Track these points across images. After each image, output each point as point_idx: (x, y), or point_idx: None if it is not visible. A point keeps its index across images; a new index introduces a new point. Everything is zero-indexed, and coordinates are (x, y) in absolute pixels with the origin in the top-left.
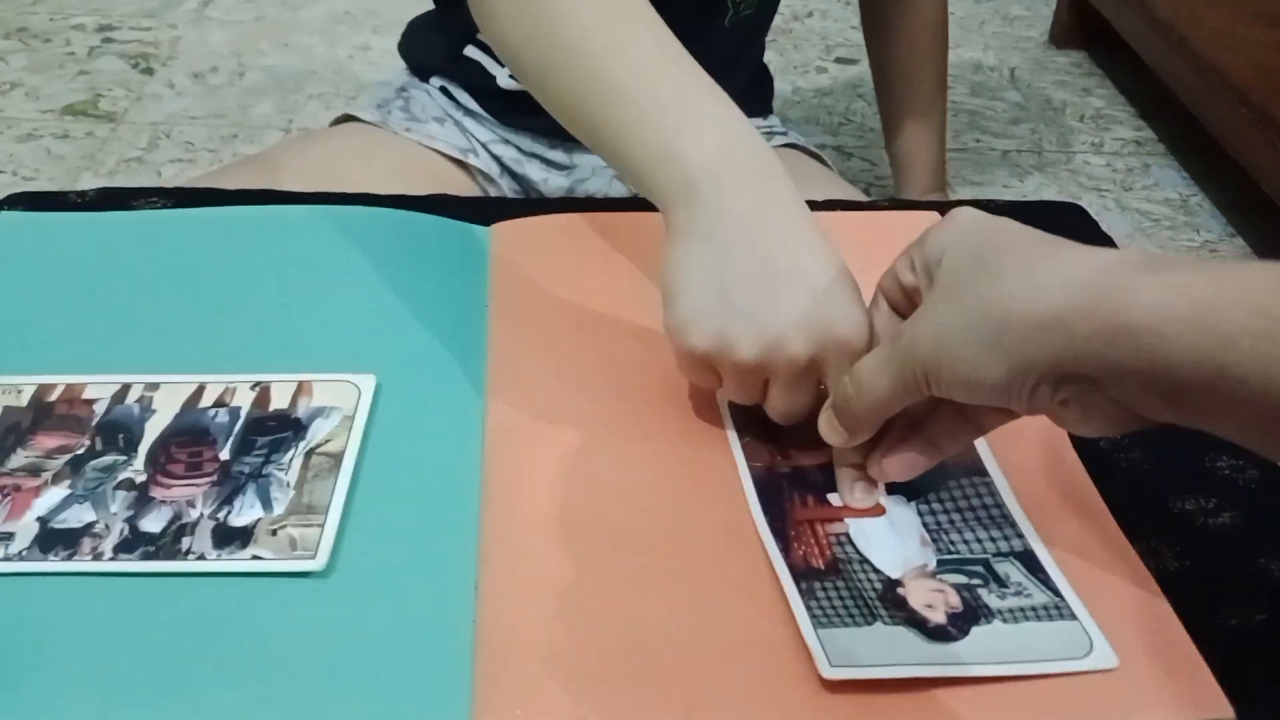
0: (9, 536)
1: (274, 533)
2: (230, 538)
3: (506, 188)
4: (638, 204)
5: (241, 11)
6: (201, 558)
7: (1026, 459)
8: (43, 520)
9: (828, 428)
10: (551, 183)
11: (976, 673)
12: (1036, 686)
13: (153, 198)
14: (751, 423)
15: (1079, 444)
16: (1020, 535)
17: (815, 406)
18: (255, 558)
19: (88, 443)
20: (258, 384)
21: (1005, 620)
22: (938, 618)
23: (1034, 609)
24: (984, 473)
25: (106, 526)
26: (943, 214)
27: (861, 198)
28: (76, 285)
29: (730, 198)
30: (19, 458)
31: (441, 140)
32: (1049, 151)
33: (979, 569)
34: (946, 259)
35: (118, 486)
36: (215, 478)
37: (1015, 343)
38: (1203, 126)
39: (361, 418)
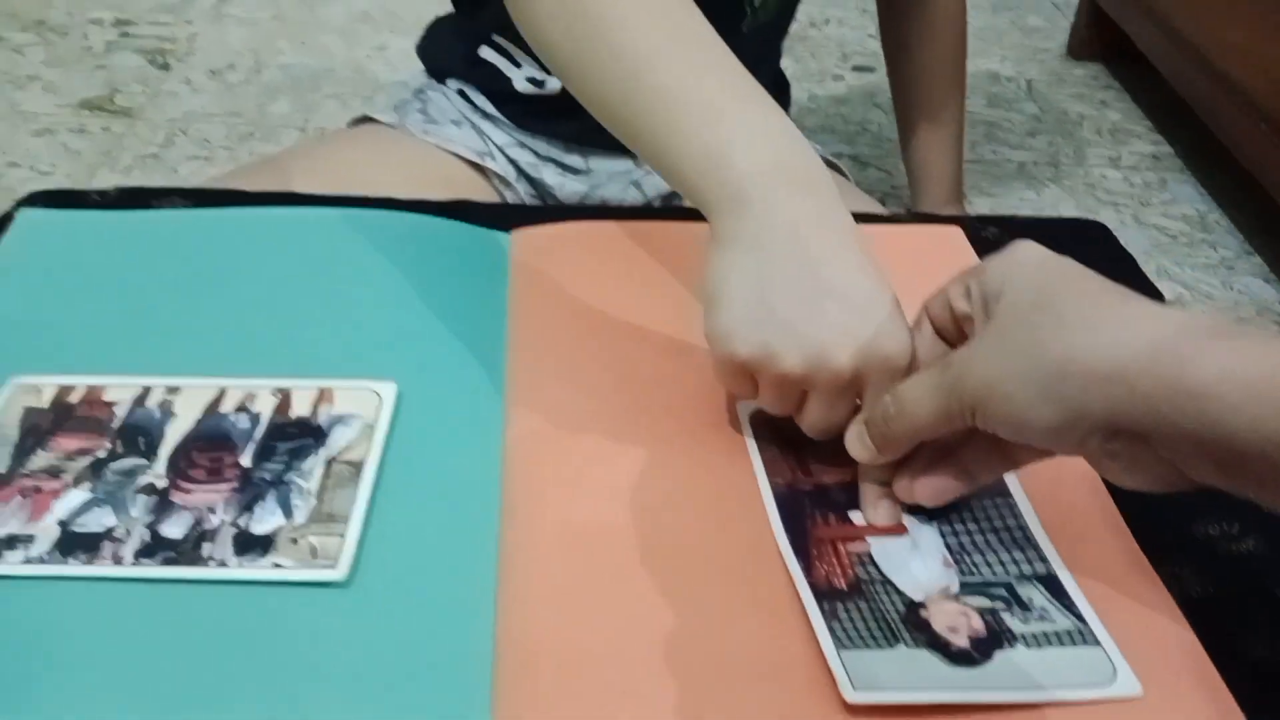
0: (29, 539)
1: (295, 541)
2: (251, 545)
3: (523, 191)
4: (658, 212)
5: (260, 9)
6: (222, 564)
7: (1049, 479)
8: (63, 523)
9: (856, 443)
10: (568, 187)
11: (999, 699)
12: (1059, 714)
13: (173, 198)
14: (773, 438)
15: None
16: (1044, 558)
17: (847, 422)
18: (276, 566)
19: (108, 445)
20: (279, 390)
21: (1028, 645)
22: (960, 641)
23: (1057, 634)
24: (1006, 493)
25: (127, 531)
26: (965, 230)
27: (878, 208)
28: (95, 285)
29: (780, 208)
30: (40, 459)
31: (459, 143)
32: (1065, 164)
33: (1002, 592)
34: (1007, 294)
35: (138, 490)
36: (236, 484)
37: (1072, 391)
38: (1220, 142)
39: (383, 426)
